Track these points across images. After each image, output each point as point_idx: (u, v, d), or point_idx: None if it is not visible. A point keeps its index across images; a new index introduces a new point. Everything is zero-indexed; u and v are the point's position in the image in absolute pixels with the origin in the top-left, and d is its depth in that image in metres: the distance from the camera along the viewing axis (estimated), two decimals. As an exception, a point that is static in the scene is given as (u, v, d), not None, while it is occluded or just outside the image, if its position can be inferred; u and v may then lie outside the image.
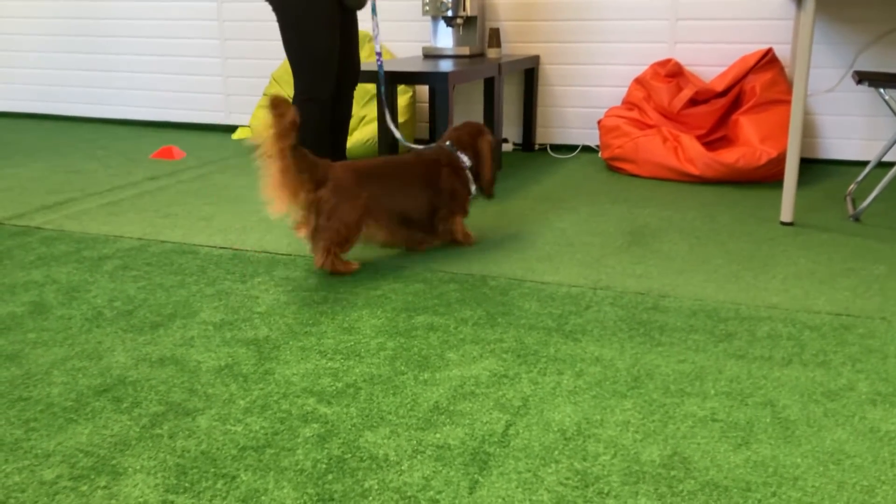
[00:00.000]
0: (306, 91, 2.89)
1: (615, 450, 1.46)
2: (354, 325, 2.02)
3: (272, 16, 4.62)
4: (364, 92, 4.33)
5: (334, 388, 1.69)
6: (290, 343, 1.92)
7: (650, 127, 3.69)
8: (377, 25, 3.09)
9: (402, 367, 1.78)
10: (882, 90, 2.79)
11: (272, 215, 2.34)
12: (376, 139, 4.05)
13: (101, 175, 3.78)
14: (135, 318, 2.07)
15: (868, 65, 3.71)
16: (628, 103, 3.85)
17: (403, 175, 2.50)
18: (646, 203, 3.18)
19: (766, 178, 3.46)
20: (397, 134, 2.98)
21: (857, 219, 2.92)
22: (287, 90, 4.40)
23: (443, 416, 1.57)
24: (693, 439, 1.49)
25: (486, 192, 2.67)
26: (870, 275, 2.34)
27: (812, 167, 3.80)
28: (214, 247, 2.67)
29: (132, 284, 2.33)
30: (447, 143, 2.64)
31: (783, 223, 2.86)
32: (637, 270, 2.41)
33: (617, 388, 1.69)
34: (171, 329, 2.01)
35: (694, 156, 3.44)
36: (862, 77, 2.84)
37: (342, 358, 1.83)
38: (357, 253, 2.58)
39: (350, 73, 3.08)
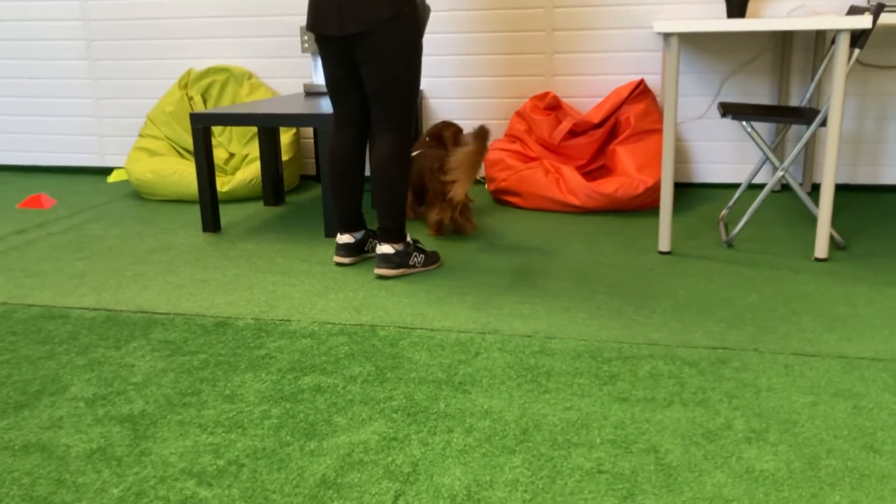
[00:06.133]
0: (408, 131, 2.74)
1: (505, 514, 1.45)
2: (237, 391, 1.95)
3: (146, 54, 4.46)
4: (246, 130, 4.24)
5: (215, 466, 1.62)
6: (168, 417, 1.82)
7: (533, 159, 3.76)
8: None
9: (288, 437, 1.73)
10: (744, 122, 2.93)
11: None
12: (259, 179, 3.96)
13: (-39, 230, 3.53)
14: (-4, 399, 1.93)
15: (733, 92, 3.91)
16: (510, 136, 3.91)
17: None
18: (531, 237, 3.23)
19: (645, 206, 3.58)
20: None
21: (730, 245, 3.05)
22: (164, 130, 4.25)
23: (330, 491, 1.53)
24: (580, 495, 1.50)
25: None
26: (743, 304, 2.45)
27: (687, 192, 3.96)
28: (87, 308, 2.53)
29: (-6, 359, 2.17)
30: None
31: (661, 252, 2.96)
32: (524, 310, 2.43)
33: (506, 444, 1.69)
34: (37, 409, 1.88)
35: (575, 187, 3.52)
36: (726, 110, 2.98)
37: (224, 431, 1.76)
38: (234, 309, 2.50)
39: None
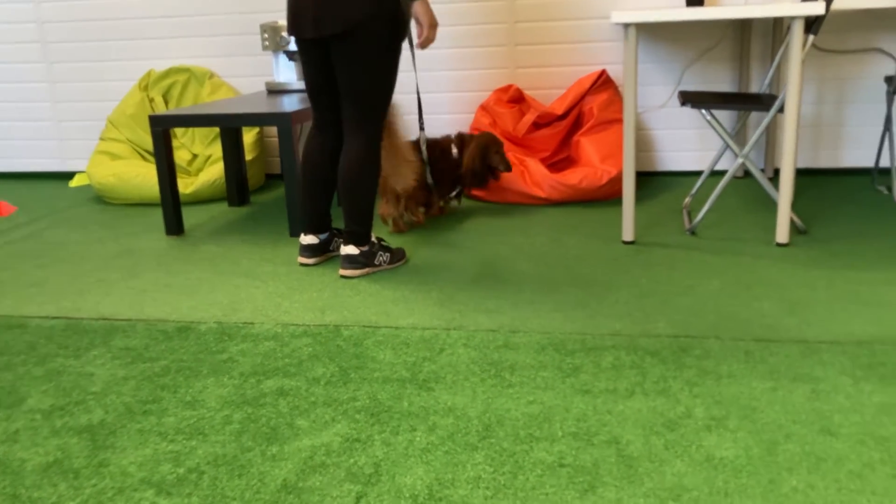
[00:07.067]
0: (378, 137, 2.70)
1: (466, 512, 1.45)
2: (198, 397, 1.93)
3: (104, 55, 4.39)
4: (209, 131, 4.19)
5: (175, 475, 1.60)
6: (128, 426, 1.80)
7: (497, 152, 3.75)
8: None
9: (249, 443, 1.71)
10: (703, 111, 2.95)
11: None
12: (223, 179, 3.92)
13: (-82, 240, 3.46)
14: (-49, 414, 1.90)
15: (695, 80, 3.93)
16: (475, 129, 3.90)
17: None
18: (497, 230, 3.23)
19: (609, 196, 3.59)
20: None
21: (693, 232, 3.07)
22: (126, 132, 4.19)
23: (291, 496, 1.52)
24: (542, 489, 1.51)
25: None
26: (705, 291, 2.47)
27: (651, 180, 3.98)
28: (46, 317, 2.49)
29: (-51, 372, 2.13)
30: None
31: (625, 242, 2.98)
32: (489, 305, 2.43)
33: (469, 440, 1.69)
34: (-7, 423, 1.84)
35: (540, 179, 3.53)
36: (685, 99, 3.00)
37: (184, 438, 1.74)
38: (197, 313, 2.47)
39: None
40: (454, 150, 3.37)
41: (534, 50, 4.01)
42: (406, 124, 4.22)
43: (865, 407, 1.74)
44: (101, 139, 4.23)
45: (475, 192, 3.72)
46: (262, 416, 1.82)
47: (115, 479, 1.60)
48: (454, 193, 3.44)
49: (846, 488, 1.46)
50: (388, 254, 2.80)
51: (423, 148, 3.25)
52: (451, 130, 4.13)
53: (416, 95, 4.16)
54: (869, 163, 3.88)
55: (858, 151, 3.89)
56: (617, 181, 3.54)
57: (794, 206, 3.36)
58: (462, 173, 3.36)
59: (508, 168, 3.37)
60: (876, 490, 1.45)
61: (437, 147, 3.35)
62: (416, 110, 4.15)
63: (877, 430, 1.65)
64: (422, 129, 3.15)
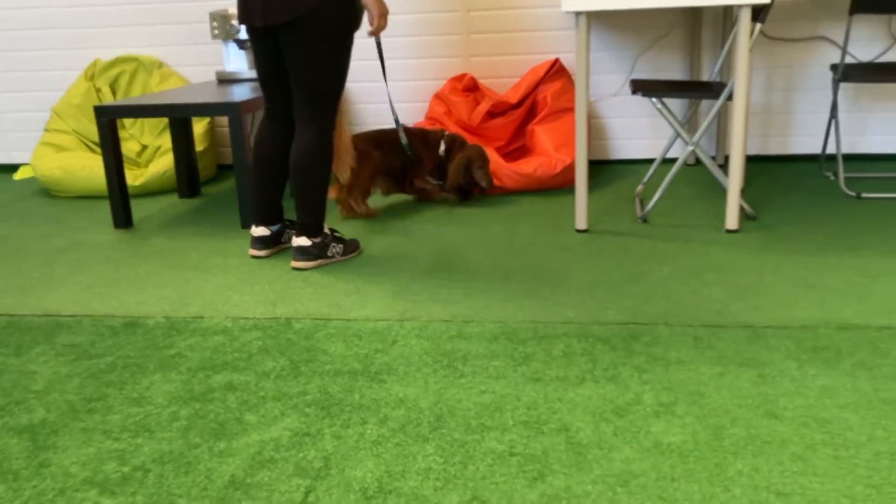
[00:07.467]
0: (330, 127, 2.66)
1: (415, 503, 1.44)
2: (145, 394, 1.89)
3: (48, 44, 4.27)
4: (158, 122, 4.10)
5: (119, 473, 1.57)
6: (71, 425, 1.76)
7: (452, 142, 3.74)
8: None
9: (197, 439, 1.68)
10: (654, 99, 2.97)
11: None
12: (173, 170, 3.84)
13: None
14: None
15: (647, 68, 3.96)
16: (430, 119, 3.89)
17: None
18: (451, 220, 3.23)
19: (564, 184, 3.61)
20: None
21: (644, 220, 3.10)
22: (72, 123, 4.08)
23: (238, 492, 1.49)
24: (492, 479, 1.51)
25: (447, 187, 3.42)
26: (656, 278, 2.49)
27: (605, 169, 4.01)
28: (-13, 315, 2.42)
29: None
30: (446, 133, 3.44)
31: (578, 230, 2.99)
32: (442, 295, 2.43)
33: (420, 432, 1.68)
34: (-71, 425, 1.79)
35: (495, 168, 3.52)
36: (636, 87, 3.02)
37: (130, 436, 1.70)
38: (145, 308, 2.42)
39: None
40: (442, 147, 3.40)
41: (487, 39, 4.00)
42: (358, 113, 4.18)
43: (809, 390, 1.78)
44: (46, 130, 4.12)
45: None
46: (210, 411, 1.80)
47: (56, 479, 1.56)
48: (437, 183, 3.48)
49: (789, 470, 1.49)
50: (341, 245, 2.77)
51: (402, 133, 3.28)
52: (406, 120, 4.11)
53: (369, 84, 4.12)
54: (817, 149, 3.95)
55: (807, 138, 3.96)
56: (571, 170, 3.55)
57: (745, 193, 3.41)
58: (446, 184, 3.42)
59: (489, 185, 3.38)
60: (817, 471, 1.48)
61: (426, 136, 3.41)
62: (369, 100, 4.12)
63: (819, 413, 1.68)
64: (396, 117, 3.11)
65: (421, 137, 3.42)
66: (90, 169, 3.81)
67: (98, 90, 4.17)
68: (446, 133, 3.45)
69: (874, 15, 3.74)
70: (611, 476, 1.50)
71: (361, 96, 4.15)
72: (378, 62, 3.33)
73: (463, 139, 3.45)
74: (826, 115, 3.92)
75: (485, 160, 3.38)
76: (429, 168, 3.42)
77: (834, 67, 3.36)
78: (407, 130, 3.40)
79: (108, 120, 3.17)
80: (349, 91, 3.71)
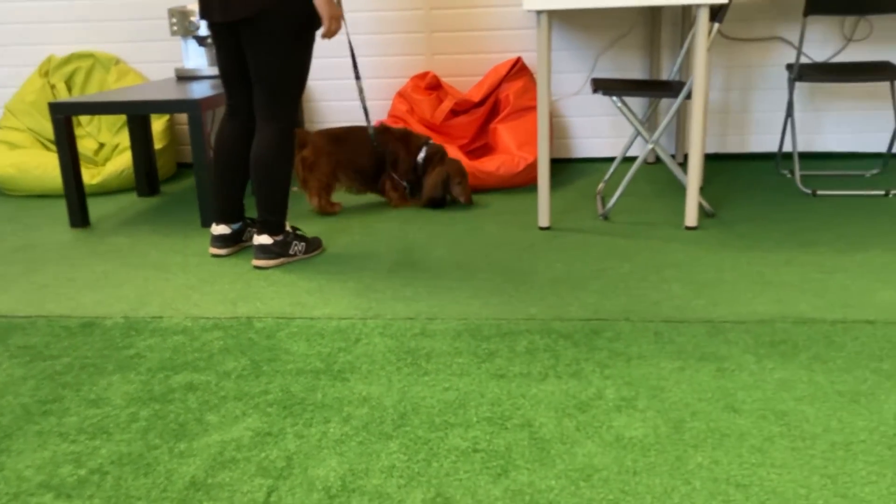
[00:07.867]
0: (291, 124, 2.62)
1: (379, 501, 1.44)
2: (103, 395, 1.85)
3: (0, 40, 4.17)
4: (116, 119, 4.03)
5: (76, 477, 1.53)
6: (25, 428, 1.72)
7: (415, 140, 3.74)
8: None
9: (156, 440, 1.66)
10: (614, 98, 3.00)
11: None
12: (132, 169, 3.78)
13: None
14: None
15: (608, 67, 3.99)
16: (393, 117, 3.88)
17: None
18: (415, 217, 3.22)
19: (527, 182, 3.62)
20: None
21: (606, 217, 3.13)
22: (26, 121, 3.99)
23: (199, 493, 1.47)
24: (456, 475, 1.51)
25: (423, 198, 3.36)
26: (617, 274, 2.51)
27: (566, 167, 4.04)
28: (-62, 316, 2.36)
29: None
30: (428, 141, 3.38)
31: (541, 228, 3.01)
32: (406, 293, 2.42)
33: (383, 430, 1.67)
34: None
35: (458, 166, 3.53)
36: (597, 86, 3.04)
37: (87, 438, 1.67)
38: (103, 308, 2.38)
39: None
40: (422, 154, 3.33)
41: (450, 37, 4.00)
42: (322, 111, 4.16)
43: (767, 383, 1.81)
44: (0, 128, 4.02)
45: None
46: (169, 412, 1.77)
47: (9, 483, 1.52)
48: (406, 187, 3.41)
49: (748, 462, 1.51)
50: (303, 243, 2.75)
51: (371, 132, 3.27)
52: (372, 116, 4.09)
53: (336, 82, 4.10)
54: (774, 147, 4.02)
55: (764, 136, 4.04)
56: (534, 168, 3.57)
57: (704, 191, 3.46)
58: (420, 193, 3.37)
59: (468, 201, 3.35)
60: (775, 462, 1.51)
61: (408, 138, 3.36)
62: (331, 97, 4.09)
63: (777, 406, 1.71)
64: (367, 115, 3.06)
65: (404, 138, 3.37)
66: (45, 167, 3.73)
67: (53, 87, 4.09)
68: (430, 142, 3.39)
69: (828, 16, 3.82)
70: (574, 470, 1.51)
71: (327, 94, 4.13)
72: (349, 59, 3.30)
73: (444, 152, 3.37)
74: (783, 114, 4.00)
75: (464, 176, 3.34)
76: (403, 169, 3.36)
77: (790, 67, 3.43)
78: (390, 130, 3.37)
79: (64, 117, 3.11)
80: (311, 88, 3.67)
